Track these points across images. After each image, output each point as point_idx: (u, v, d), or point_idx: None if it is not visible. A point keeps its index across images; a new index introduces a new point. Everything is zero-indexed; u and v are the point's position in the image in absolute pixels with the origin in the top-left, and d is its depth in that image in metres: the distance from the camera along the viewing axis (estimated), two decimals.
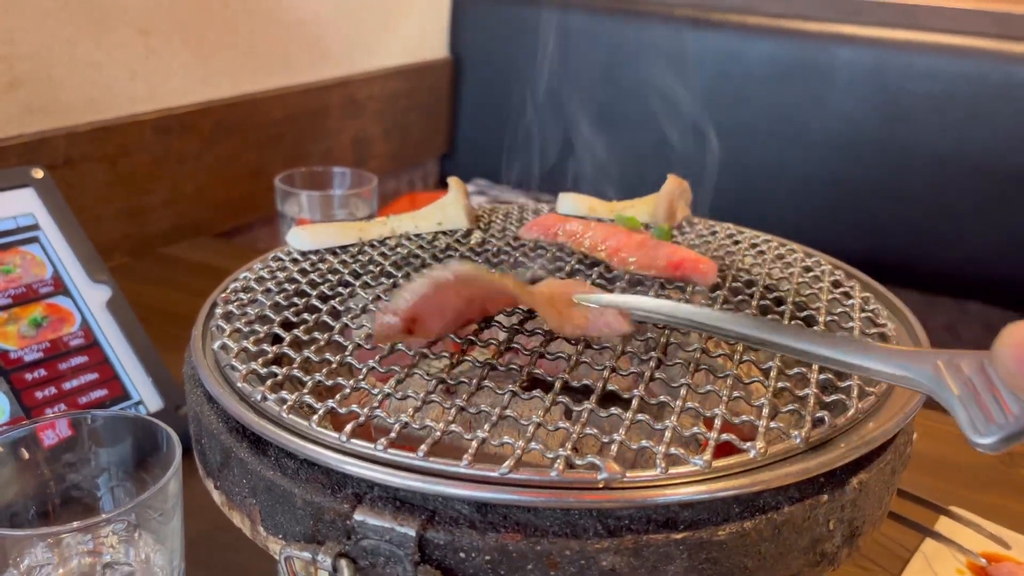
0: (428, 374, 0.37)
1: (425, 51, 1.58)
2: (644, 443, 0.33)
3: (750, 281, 0.49)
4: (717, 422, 0.34)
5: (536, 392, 0.36)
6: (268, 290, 0.47)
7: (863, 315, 0.45)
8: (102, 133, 0.99)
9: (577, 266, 0.49)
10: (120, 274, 1.03)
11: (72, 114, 0.97)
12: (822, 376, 0.38)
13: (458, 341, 0.40)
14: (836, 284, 0.50)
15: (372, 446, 0.33)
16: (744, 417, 0.35)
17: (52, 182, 0.70)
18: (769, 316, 0.44)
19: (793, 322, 0.44)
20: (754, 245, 0.56)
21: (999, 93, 1.26)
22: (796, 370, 0.39)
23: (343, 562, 0.32)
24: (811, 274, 0.51)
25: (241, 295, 0.46)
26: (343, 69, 1.38)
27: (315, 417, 0.34)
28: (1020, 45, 1.27)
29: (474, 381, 0.36)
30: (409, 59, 1.53)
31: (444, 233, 0.55)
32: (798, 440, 0.34)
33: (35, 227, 0.67)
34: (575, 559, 0.31)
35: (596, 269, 0.49)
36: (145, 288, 0.99)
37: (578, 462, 0.31)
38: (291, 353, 0.39)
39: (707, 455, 0.32)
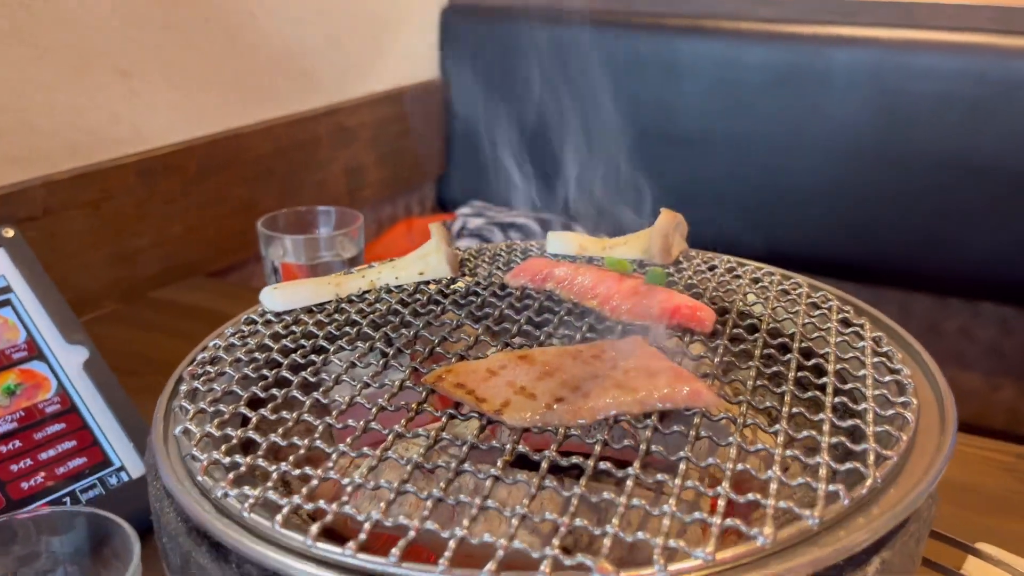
0: (403, 457, 0.34)
1: (415, 73, 1.56)
2: (640, 535, 0.29)
3: (752, 326, 0.46)
4: (720, 503, 0.31)
5: (521, 476, 0.33)
6: (238, 360, 0.44)
7: (876, 359, 0.42)
8: (83, 179, 0.97)
9: (566, 317, 0.46)
10: (110, 321, 1.02)
11: (53, 161, 0.95)
12: (834, 439, 0.35)
13: (437, 414, 0.37)
14: (845, 323, 0.47)
15: (340, 551, 0.30)
16: (750, 496, 0.31)
17: (23, 240, 0.67)
18: (773, 369, 0.41)
19: (800, 373, 0.41)
20: (756, 280, 0.53)
21: (1001, 90, 1.23)
22: (805, 433, 0.36)
23: None
24: (818, 312, 0.48)
25: (208, 368, 0.43)
26: (331, 97, 1.35)
27: (279, 517, 0.31)
28: (1021, 40, 1.23)
29: (452, 464, 0.33)
30: (399, 82, 1.51)
31: (427, 283, 0.52)
32: (811, 521, 0.30)
33: (6, 289, 0.65)
34: None
35: (587, 320, 0.45)
36: (137, 335, 0.97)
37: (567, 562, 0.28)
38: (257, 438, 0.36)
39: (710, 547, 0.29)
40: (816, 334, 0.45)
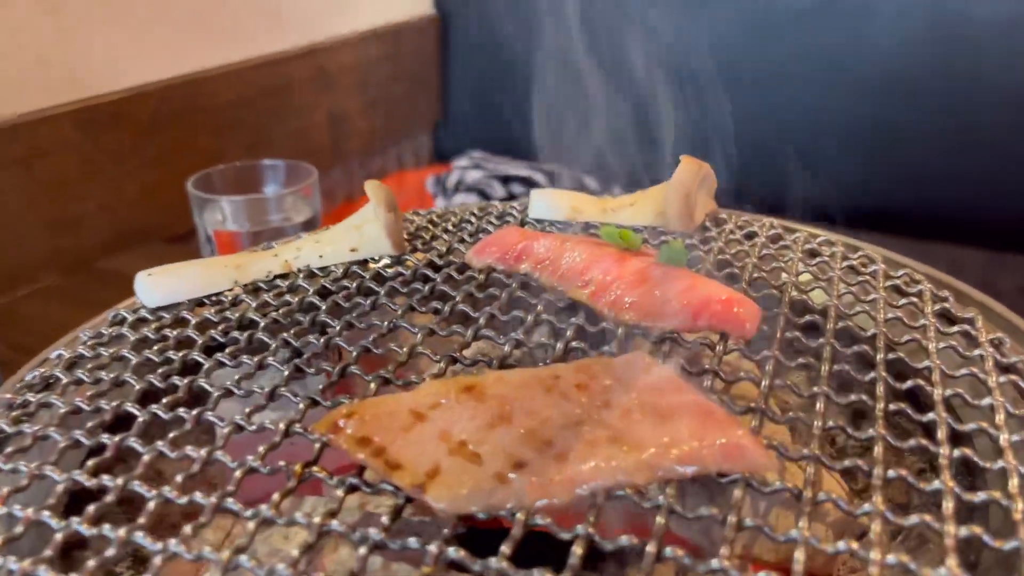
0: (264, 566, 0.21)
1: (406, 8, 1.40)
2: None
3: (813, 325, 0.32)
4: None
5: None
6: (78, 381, 0.31)
7: (1002, 377, 0.28)
8: (8, 133, 0.83)
9: (545, 315, 0.32)
10: (49, 298, 0.89)
11: None
12: (964, 531, 0.21)
13: (331, 483, 0.24)
14: (946, 318, 0.33)
15: None
16: None
17: None
18: (851, 399, 0.27)
19: (891, 404, 0.27)
20: (811, 253, 0.39)
21: None
22: (914, 518, 0.22)
23: None
24: (904, 301, 0.34)
25: (29, 397, 0.30)
26: (308, 36, 1.20)
27: None
28: None
29: None
30: (388, 19, 1.35)
31: (362, 263, 0.39)
32: None
33: None
34: None
35: (574, 320, 0.32)
36: (82, 314, 0.84)
37: None
38: (53, 523, 0.23)
39: None
40: (907, 337, 0.31)
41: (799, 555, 0.21)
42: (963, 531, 0.21)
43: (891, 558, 0.21)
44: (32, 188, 0.88)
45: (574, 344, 0.30)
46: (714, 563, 0.21)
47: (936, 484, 0.23)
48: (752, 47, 1.24)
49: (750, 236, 0.40)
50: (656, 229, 0.41)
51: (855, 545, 0.21)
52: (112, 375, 0.31)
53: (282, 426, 0.26)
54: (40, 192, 0.88)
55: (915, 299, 0.34)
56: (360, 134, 1.36)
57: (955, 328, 0.31)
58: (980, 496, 0.23)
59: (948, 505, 0.22)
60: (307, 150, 1.23)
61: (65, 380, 0.31)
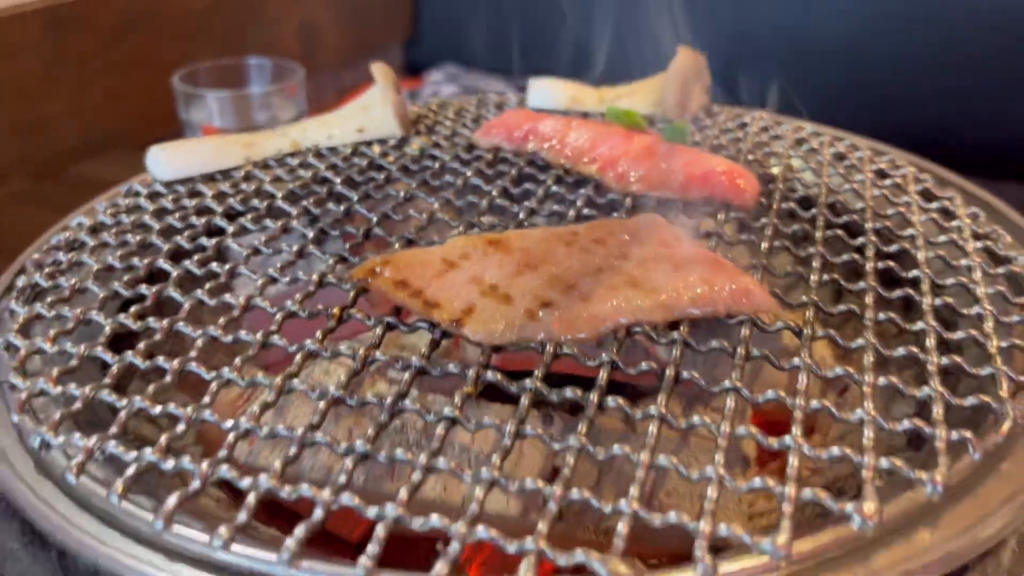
0: (315, 388, 0.23)
1: None
2: (672, 517, 0.19)
3: (806, 199, 0.34)
4: (792, 460, 0.20)
5: (489, 418, 0.22)
6: (104, 244, 0.32)
7: (978, 243, 0.31)
8: None
9: (554, 188, 0.34)
10: (19, 201, 0.88)
11: None
12: (944, 360, 0.24)
13: (368, 323, 0.26)
14: (927, 196, 0.35)
15: (206, 539, 0.19)
16: (835, 451, 0.21)
17: None
18: (844, 258, 0.30)
19: (880, 263, 0.29)
20: (800, 142, 0.41)
21: None
22: (902, 350, 0.25)
23: None
24: (888, 182, 0.36)
25: (60, 256, 0.31)
26: None
27: (118, 483, 0.20)
28: None
29: (388, 400, 0.22)
30: None
31: (368, 144, 0.40)
32: (930, 489, 0.20)
33: None
34: None
35: (583, 191, 0.33)
36: (56, 217, 0.83)
37: (561, 562, 0.18)
38: (107, 358, 0.25)
39: (782, 537, 0.18)
40: (892, 210, 0.33)
41: (803, 378, 0.23)
42: (943, 361, 0.24)
43: (883, 380, 0.23)
44: None
45: (585, 212, 0.32)
46: (727, 383, 0.23)
47: (920, 324, 0.26)
48: None
49: (742, 126, 0.42)
50: (652, 119, 0.42)
51: (851, 369, 0.24)
52: (138, 238, 0.32)
53: (315, 277, 0.28)
54: (5, 95, 0.86)
55: (898, 180, 0.36)
56: (331, 47, 1.33)
57: (935, 204, 0.34)
58: (958, 335, 0.26)
59: (931, 341, 0.25)
60: None
61: (91, 243, 0.32)
